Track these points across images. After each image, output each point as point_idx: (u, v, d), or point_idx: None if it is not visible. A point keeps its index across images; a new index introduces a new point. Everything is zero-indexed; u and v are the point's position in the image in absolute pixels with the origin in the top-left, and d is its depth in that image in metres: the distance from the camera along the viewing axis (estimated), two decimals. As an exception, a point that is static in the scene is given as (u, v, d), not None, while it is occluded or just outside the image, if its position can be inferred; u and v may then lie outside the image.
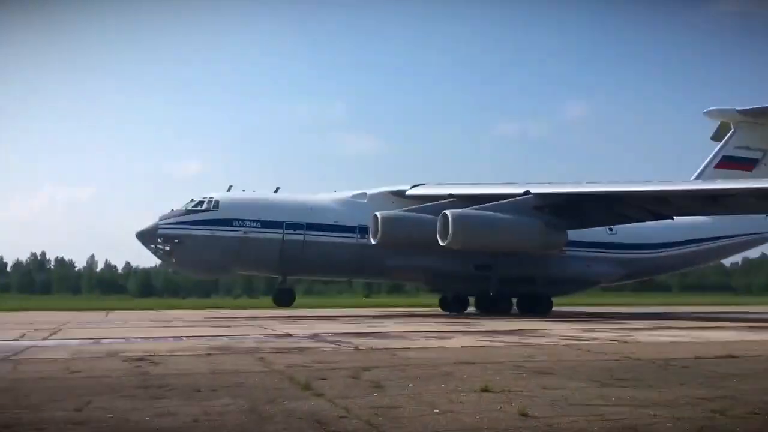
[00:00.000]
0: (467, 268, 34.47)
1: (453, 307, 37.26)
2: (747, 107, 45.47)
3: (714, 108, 46.44)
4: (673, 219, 36.18)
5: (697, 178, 44.81)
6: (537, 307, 35.12)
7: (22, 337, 18.01)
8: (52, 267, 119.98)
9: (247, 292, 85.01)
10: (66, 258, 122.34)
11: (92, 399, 7.66)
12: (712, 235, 43.07)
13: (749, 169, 45.84)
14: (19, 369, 10.77)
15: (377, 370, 10.14)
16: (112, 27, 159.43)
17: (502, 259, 33.83)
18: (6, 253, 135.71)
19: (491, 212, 31.55)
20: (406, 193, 34.94)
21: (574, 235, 34.83)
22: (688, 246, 42.26)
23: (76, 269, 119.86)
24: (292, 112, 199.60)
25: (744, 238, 44.34)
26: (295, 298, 36.57)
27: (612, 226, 38.62)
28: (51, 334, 18.96)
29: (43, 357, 12.64)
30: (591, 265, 38.60)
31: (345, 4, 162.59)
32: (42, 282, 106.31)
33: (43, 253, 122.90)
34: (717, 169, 45.74)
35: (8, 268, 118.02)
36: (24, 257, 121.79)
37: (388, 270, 34.97)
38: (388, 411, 6.94)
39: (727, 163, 46.02)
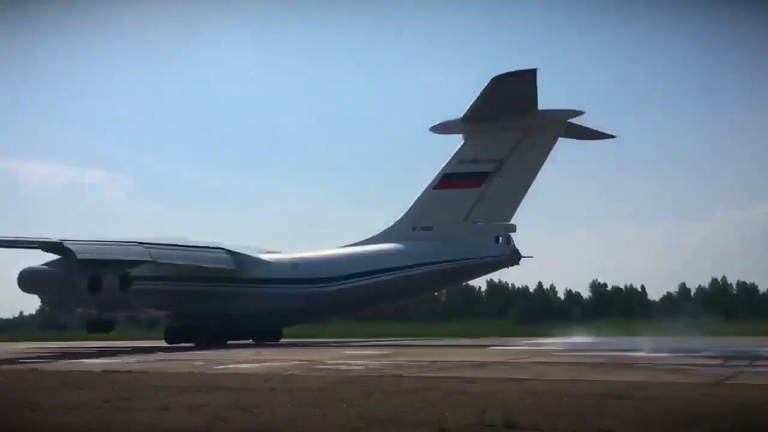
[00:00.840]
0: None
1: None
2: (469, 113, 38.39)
3: (439, 123, 40.57)
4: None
5: (417, 202, 41.38)
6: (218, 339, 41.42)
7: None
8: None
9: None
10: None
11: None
12: (406, 264, 39.59)
13: (478, 186, 39.41)
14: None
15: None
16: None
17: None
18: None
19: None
20: None
21: (257, 272, 41.39)
22: (374, 277, 39.75)
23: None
24: None
25: (465, 263, 39.22)
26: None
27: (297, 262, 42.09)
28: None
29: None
30: (267, 301, 41.10)
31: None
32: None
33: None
34: (437, 191, 40.76)
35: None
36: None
37: None
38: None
39: (449, 182, 40.24)
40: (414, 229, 40.80)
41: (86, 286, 36.71)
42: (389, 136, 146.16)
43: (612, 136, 41.09)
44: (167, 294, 42.98)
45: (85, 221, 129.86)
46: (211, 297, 42.15)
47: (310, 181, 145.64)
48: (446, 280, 42.36)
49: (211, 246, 43.37)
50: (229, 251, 42.82)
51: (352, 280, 40.18)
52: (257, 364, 20.31)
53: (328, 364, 19.68)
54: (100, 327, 42.84)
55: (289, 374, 16.37)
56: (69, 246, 36.22)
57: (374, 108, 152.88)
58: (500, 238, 38.80)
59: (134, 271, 38.52)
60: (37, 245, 37.33)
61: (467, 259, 39.19)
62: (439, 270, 39.35)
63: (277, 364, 20.37)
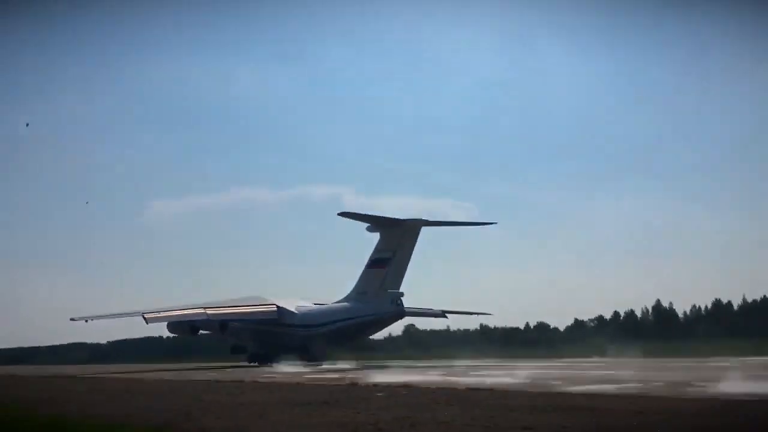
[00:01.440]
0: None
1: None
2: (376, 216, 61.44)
3: (347, 212, 61.88)
4: None
5: (360, 277, 65.28)
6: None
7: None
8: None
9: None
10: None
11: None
12: (357, 315, 62.81)
13: (383, 268, 61.46)
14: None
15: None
16: None
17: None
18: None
19: None
20: None
21: (288, 319, 67.33)
22: (341, 323, 64.88)
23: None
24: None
25: (382, 315, 62.34)
26: None
27: None
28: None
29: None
30: (296, 338, 67.11)
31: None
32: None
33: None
34: (368, 269, 64.13)
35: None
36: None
37: None
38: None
39: (373, 265, 62.69)
40: (358, 293, 65.01)
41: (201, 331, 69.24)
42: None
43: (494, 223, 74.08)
44: (249, 332, 68.08)
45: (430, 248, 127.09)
46: (269, 334, 66.40)
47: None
48: (372, 326, 65.23)
49: (265, 303, 65.84)
50: (278, 306, 65.54)
51: (329, 325, 63.87)
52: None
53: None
54: (236, 350, 71.77)
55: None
56: (147, 317, 58.42)
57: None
58: (393, 301, 61.52)
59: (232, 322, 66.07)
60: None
61: (383, 312, 62.03)
62: (369, 320, 62.83)
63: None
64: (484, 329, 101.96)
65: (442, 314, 74.49)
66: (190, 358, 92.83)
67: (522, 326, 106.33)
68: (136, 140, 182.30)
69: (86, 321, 61.20)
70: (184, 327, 63.95)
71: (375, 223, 61.27)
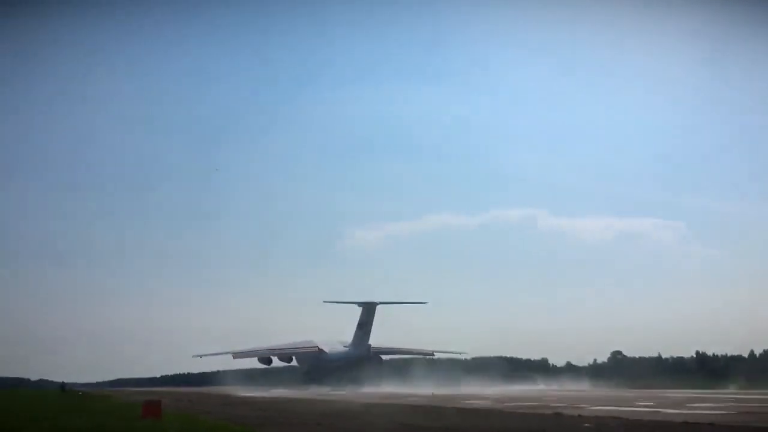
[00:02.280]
0: None
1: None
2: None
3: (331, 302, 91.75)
4: None
5: (354, 334, 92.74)
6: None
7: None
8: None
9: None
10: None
11: None
12: (352, 355, 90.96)
13: (363, 329, 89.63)
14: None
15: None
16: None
17: None
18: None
19: None
20: None
21: (323, 357, 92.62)
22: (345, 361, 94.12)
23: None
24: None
25: (352, 359, 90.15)
26: None
27: None
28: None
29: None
30: (329, 369, 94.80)
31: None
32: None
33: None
34: (357, 330, 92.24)
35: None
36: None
37: None
38: None
39: (359, 327, 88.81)
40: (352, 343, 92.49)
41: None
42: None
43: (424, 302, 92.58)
44: (307, 363, 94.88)
45: (634, 269, 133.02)
46: (314, 367, 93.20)
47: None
48: (361, 362, 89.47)
49: (310, 344, 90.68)
50: (318, 347, 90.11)
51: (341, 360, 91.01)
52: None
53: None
54: (306, 376, 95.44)
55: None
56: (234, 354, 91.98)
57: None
58: (367, 349, 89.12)
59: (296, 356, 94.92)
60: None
61: (363, 355, 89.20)
62: (356, 359, 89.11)
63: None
64: (701, 357, 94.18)
65: (431, 354, 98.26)
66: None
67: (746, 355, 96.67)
68: (334, 169, 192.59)
69: (200, 357, 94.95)
70: (264, 360, 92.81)
71: (357, 304, 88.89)
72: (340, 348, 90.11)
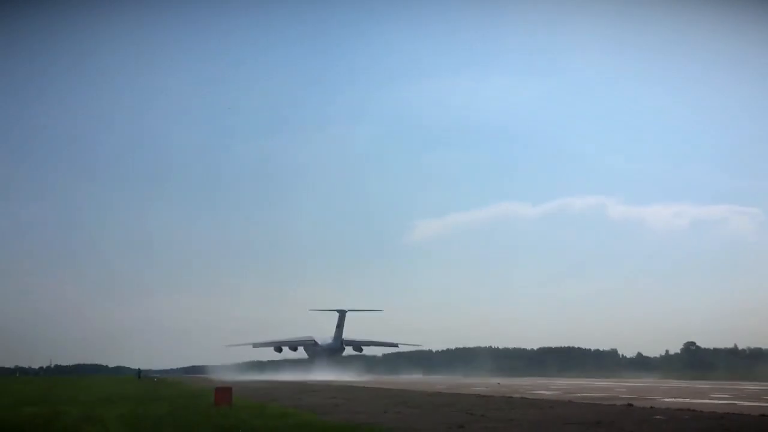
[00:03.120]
0: None
1: None
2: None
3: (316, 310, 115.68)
4: None
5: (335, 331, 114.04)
6: None
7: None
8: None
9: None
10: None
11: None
12: (332, 346, 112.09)
13: (340, 328, 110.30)
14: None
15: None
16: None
17: None
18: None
19: None
20: None
21: (317, 347, 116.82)
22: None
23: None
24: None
25: (330, 349, 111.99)
26: None
27: None
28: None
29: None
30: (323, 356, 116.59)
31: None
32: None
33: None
34: (336, 328, 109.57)
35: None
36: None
37: None
38: None
39: (337, 327, 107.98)
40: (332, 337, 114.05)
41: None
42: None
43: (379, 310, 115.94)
44: (307, 351, 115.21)
45: (708, 257, 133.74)
46: (311, 353, 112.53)
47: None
48: (335, 352, 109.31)
49: (309, 339, 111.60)
50: (314, 340, 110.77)
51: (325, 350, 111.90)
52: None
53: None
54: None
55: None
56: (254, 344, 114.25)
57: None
58: (337, 341, 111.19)
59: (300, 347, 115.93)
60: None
61: (336, 347, 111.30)
62: (331, 349, 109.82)
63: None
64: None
65: (396, 345, 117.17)
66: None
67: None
68: (399, 160, 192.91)
69: (227, 347, 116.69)
70: (276, 348, 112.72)
71: (337, 312, 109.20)
72: (328, 341, 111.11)
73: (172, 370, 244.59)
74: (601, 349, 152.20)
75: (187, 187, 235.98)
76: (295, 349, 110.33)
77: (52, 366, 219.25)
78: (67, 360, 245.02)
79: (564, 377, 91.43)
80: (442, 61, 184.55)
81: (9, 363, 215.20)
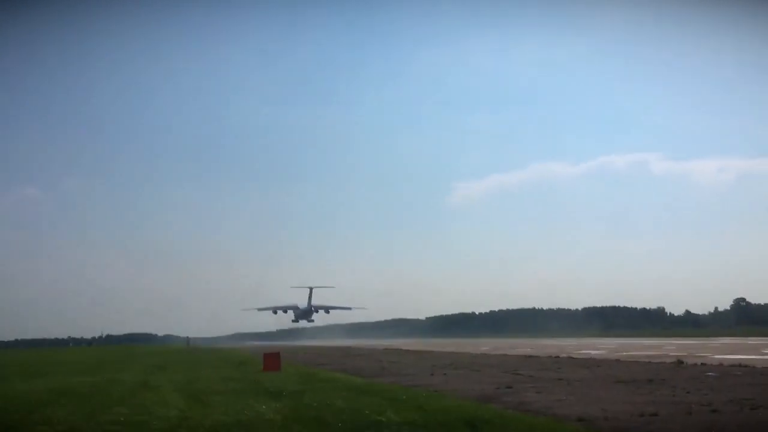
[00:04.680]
0: None
1: None
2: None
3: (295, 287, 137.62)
4: None
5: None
6: None
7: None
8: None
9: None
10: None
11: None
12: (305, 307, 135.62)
13: (311, 296, 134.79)
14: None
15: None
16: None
17: None
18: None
19: None
20: None
21: (301, 311, 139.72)
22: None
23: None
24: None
25: (304, 311, 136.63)
26: None
27: None
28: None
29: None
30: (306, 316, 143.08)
31: None
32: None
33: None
34: (309, 296, 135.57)
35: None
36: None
37: None
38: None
39: (309, 295, 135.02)
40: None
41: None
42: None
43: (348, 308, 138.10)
44: (294, 312, 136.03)
45: (757, 212, 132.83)
46: (295, 314, 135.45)
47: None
48: (308, 313, 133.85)
49: (293, 304, 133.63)
50: (296, 305, 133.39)
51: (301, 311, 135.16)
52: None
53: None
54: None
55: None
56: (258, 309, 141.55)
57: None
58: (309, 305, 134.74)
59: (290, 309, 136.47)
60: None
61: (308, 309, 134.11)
62: (305, 311, 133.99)
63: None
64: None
65: (349, 308, 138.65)
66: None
67: None
68: (442, 122, 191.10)
69: (243, 310, 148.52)
70: (273, 311, 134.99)
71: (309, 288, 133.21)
72: (304, 305, 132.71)
73: (219, 338, 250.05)
74: (648, 308, 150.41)
75: (231, 161, 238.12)
76: (285, 311, 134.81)
77: (104, 336, 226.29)
78: (118, 330, 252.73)
79: (610, 337, 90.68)
80: (476, 22, 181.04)
81: (63, 334, 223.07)
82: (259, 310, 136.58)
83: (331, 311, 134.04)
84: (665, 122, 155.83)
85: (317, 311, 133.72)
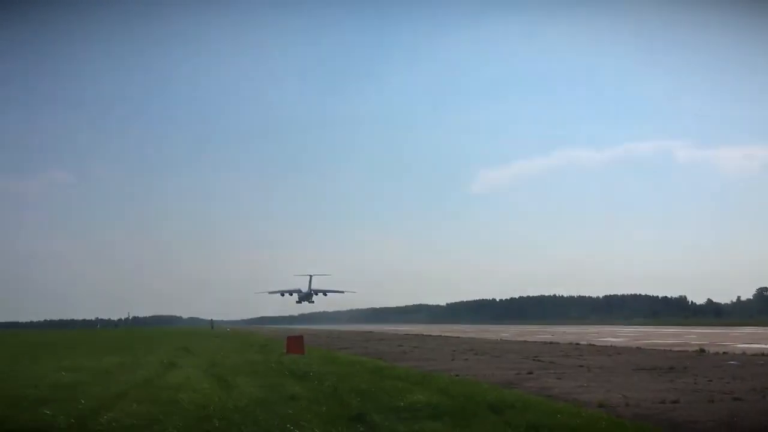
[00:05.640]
0: None
1: None
2: None
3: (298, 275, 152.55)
4: None
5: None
6: None
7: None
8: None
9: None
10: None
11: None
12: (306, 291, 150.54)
13: (310, 283, 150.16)
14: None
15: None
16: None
17: None
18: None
19: None
20: None
21: (303, 293, 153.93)
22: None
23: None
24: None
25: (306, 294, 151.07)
26: None
27: None
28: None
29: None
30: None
31: None
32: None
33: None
34: (309, 282, 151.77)
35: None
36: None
37: None
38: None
39: (309, 281, 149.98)
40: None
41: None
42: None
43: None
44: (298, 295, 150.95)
45: None
46: (299, 296, 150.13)
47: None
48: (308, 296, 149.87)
49: (297, 288, 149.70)
50: (299, 289, 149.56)
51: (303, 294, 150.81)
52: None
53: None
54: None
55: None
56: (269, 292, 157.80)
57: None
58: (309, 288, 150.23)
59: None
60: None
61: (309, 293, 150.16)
62: (305, 295, 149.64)
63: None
64: None
65: (343, 291, 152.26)
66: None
67: None
68: (462, 109, 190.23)
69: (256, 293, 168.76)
70: (281, 294, 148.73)
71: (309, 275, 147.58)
72: (306, 290, 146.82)
73: (241, 321, 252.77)
74: (669, 296, 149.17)
75: (256, 147, 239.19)
76: (291, 294, 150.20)
77: (130, 318, 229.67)
78: (144, 312, 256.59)
79: (631, 325, 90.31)
80: (499, 7, 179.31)
81: (90, 315, 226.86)
82: (270, 293, 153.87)
83: (328, 294, 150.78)
84: (691, 109, 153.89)
85: (317, 294, 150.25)
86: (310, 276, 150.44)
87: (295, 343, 31.18)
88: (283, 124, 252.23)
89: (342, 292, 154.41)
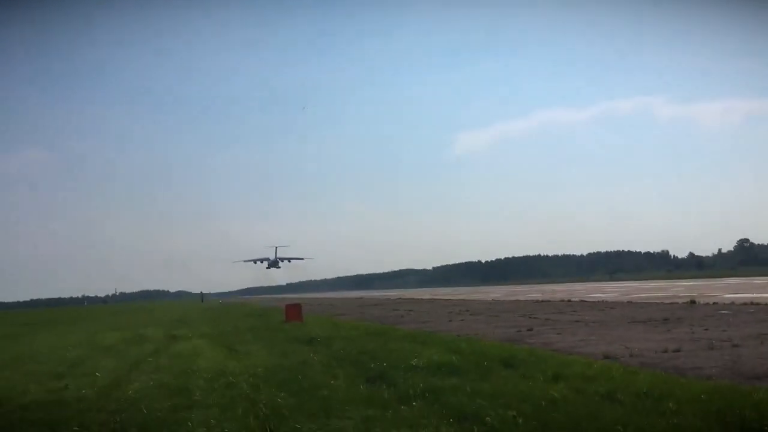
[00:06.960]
0: None
1: None
2: None
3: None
4: None
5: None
6: None
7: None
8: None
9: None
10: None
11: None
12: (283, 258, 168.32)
13: (276, 252, 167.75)
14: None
15: None
16: None
17: None
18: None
19: None
20: None
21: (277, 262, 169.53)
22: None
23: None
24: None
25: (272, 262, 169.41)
26: None
27: None
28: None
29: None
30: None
31: None
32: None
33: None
34: (275, 252, 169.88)
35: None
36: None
37: None
38: None
39: (276, 250, 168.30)
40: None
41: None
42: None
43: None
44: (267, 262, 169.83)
45: (762, 153, 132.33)
46: (268, 263, 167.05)
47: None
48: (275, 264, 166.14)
49: (267, 256, 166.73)
50: (269, 257, 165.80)
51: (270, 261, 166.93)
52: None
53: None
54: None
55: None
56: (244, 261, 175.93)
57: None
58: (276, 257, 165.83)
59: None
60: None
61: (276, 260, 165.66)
62: (275, 261, 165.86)
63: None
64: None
65: (312, 258, 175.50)
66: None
67: None
68: (443, 72, 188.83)
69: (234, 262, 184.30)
70: (254, 262, 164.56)
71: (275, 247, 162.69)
72: (272, 258, 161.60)
73: (229, 293, 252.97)
74: (652, 251, 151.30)
75: (243, 121, 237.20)
76: (262, 261, 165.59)
77: (117, 294, 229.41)
78: (131, 287, 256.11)
79: (615, 281, 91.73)
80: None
81: (77, 293, 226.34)
82: (245, 261, 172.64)
83: (292, 261, 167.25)
84: (669, 65, 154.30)
85: (282, 261, 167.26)
86: (276, 247, 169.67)
87: (294, 310, 31.56)
88: (264, 95, 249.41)
89: (302, 258, 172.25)
